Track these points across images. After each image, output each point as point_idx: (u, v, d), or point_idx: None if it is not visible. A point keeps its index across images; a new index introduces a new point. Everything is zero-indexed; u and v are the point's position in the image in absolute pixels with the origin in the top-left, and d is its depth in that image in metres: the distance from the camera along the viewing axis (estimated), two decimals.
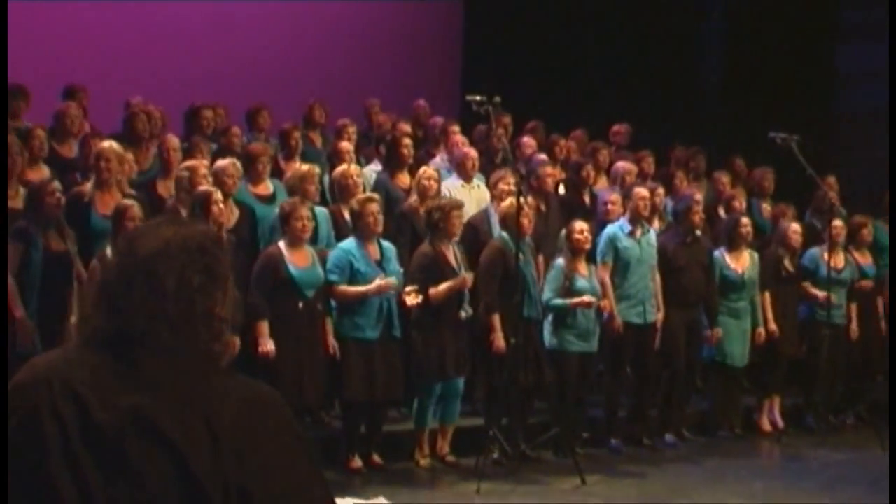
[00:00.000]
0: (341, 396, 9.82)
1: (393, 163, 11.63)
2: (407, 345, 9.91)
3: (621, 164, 12.45)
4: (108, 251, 8.58)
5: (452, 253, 9.94)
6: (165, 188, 10.32)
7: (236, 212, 10.00)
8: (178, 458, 2.56)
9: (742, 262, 11.69)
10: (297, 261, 9.30)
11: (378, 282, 9.37)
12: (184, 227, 2.85)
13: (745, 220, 11.89)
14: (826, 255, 12.13)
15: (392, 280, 9.46)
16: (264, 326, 9.08)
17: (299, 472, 2.72)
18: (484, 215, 10.89)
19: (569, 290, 10.34)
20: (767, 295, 12.00)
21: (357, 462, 9.66)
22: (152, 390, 2.61)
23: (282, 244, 9.33)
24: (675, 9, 16.92)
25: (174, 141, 10.82)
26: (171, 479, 2.56)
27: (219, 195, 9.27)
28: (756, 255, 11.87)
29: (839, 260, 12.23)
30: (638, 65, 16.28)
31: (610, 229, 11.04)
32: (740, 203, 12.61)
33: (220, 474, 2.56)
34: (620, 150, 13.70)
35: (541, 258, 10.79)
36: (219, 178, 9.83)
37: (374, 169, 11.92)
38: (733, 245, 11.68)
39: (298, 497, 2.69)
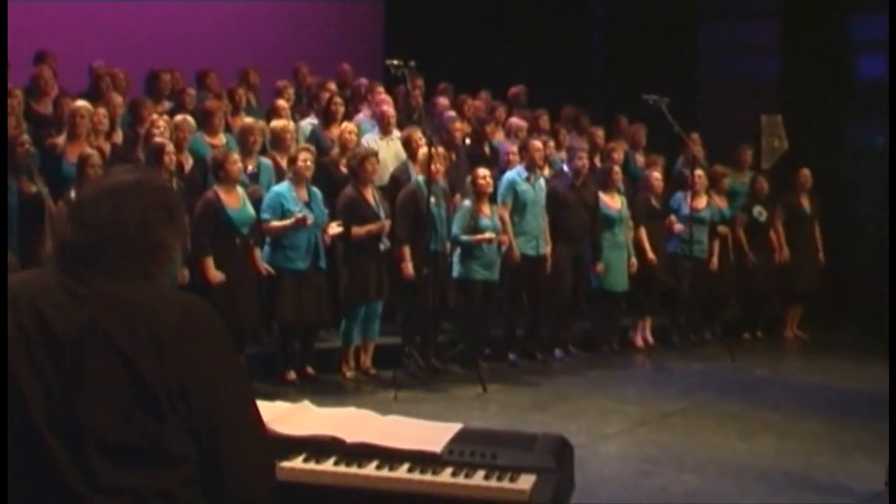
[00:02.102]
0: (277, 319, 9.85)
1: (326, 118, 11.63)
2: (333, 274, 9.95)
3: (514, 121, 12.56)
4: (73, 194, 8.58)
5: (371, 195, 9.98)
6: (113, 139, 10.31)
7: (190, 160, 9.98)
8: (128, 364, 2.59)
9: (616, 202, 11.83)
10: (232, 202, 9.23)
11: (296, 215, 9.36)
12: (150, 172, 2.94)
13: (616, 168, 12.04)
14: (688, 199, 12.33)
15: (308, 214, 9.41)
16: (209, 261, 9.06)
17: (229, 371, 2.77)
18: (404, 167, 10.91)
19: (474, 227, 10.43)
20: (643, 230, 12.18)
21: (291, 375, 9.73)
22: (104, 304, 2.64)
23: (217, 188, 9.26)
24: None
25: (118, 99, 10.87)
26: (122, 383, 2.58)
27: (171, 147, 9.26)
28: (625, 198, 12.01)
29: (701, 202, 12.41)
30: (535, 34, 16.28)
31: (509, 175, 11.11)
32: (619, 154, 12.67)
33: (164, 376, 2.59)
34: (519, 108, 13.74)
35: (458, 197, 10.83)
36: (174, 132, 9.84)
37: (309, 122, 11.91)
38: (607, 188, 11.80)
39: (228, 392, 2.74)
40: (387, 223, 9.93)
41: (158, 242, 2.77)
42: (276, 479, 2.94)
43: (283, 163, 10.14)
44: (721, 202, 13.03)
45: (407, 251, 10.11)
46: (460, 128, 11.57)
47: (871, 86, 15.80)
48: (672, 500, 6.79)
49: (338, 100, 11.70)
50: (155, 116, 10.17)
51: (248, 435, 2.80)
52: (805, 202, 13.62)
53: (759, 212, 13.28)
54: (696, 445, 8.20)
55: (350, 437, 3.37)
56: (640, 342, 12.50)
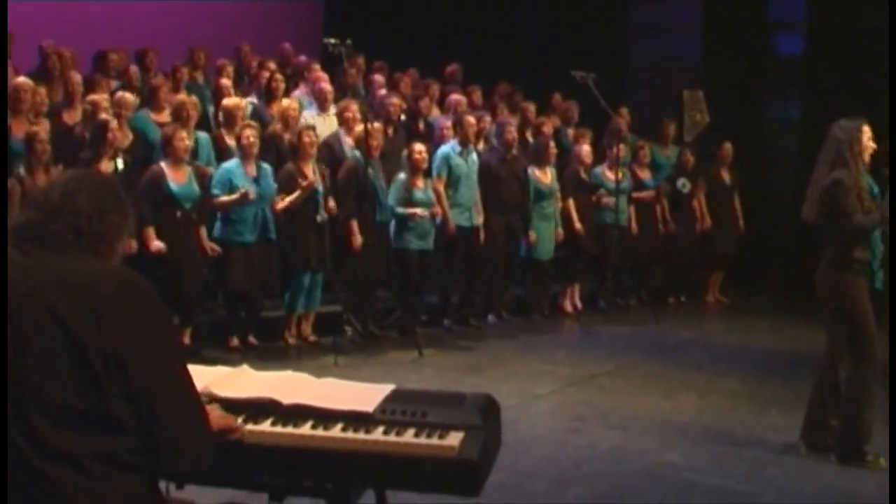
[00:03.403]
0: (225, 289, 9.81)
1: (266, 96, 11.56)
2: (281, 246, 9.92)
3: (454, 97, 12.53)
4: (22, 171, 8.47)
5: (311, 168, 9.93)
6: (70, 117, 10.17)
7: (130, 135, 9.87)
8: (68, 333, 2.62)
9: (547, 176, 11.87)
10: (177, 177, 9.14)
11: (240, 191, 9.31)
12: (100, 174, 3.04)
13: (550, 143, 12.07)
14: (608, 171, 12.40)
15: (250, 189, 9.34)
16: (151, 231, 8.94)
17: (162, 342, 2.81)
18: (335, 137, 10.87)
19: (408, 200, 10.45)
20: (571, 201, 12.22)
21: (236, 342, 9.71)
22: (46, 275, 2.68)
23: (163, 163, 9.15)
24: None
25: (77, 77, 10.64)
26: (62, 348, 2.62)
27: (114, 123, 9.15)
28: (555, 170, 12.05)
29: (619, 174, 12.45)
30: (471, 13, 16.28)
31: (444, 149, 11.12)
32: (549, 129, 12.69)
33: (100, 344, 2.63)
34: (454, 84, 13.73)
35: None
36: (116, 108, 9.74)
37: (250, 101, 11.82)
38: (540, 162, 11.83)
39: (161, 362, 2.78)
40: (305, 184, 9.77)
41: (108, 224, 2.85)
42: (214, 442, 2.97)
43: (232, 141, 10.05)
44: (643, 173, 13.13)
45: (354, 224, 10.09)
46: (396, 103, 11.54)
47: (788, 63, 16.00)
48: (599, 456, 6.86)
49: (278, 76, 11.66)
50: (97, 95, 10.03)
51: (183, 402, 2.84)
52: (725, 174, 13.76)
53: (682, 183, 13.39)
54: (622, 404, 8.29)
55: (286, 398, 3.39)
56: (569, 307, 12.57)
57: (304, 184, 9.72)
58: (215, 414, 3.18)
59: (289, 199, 9.73)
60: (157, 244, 8.93)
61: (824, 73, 14.95)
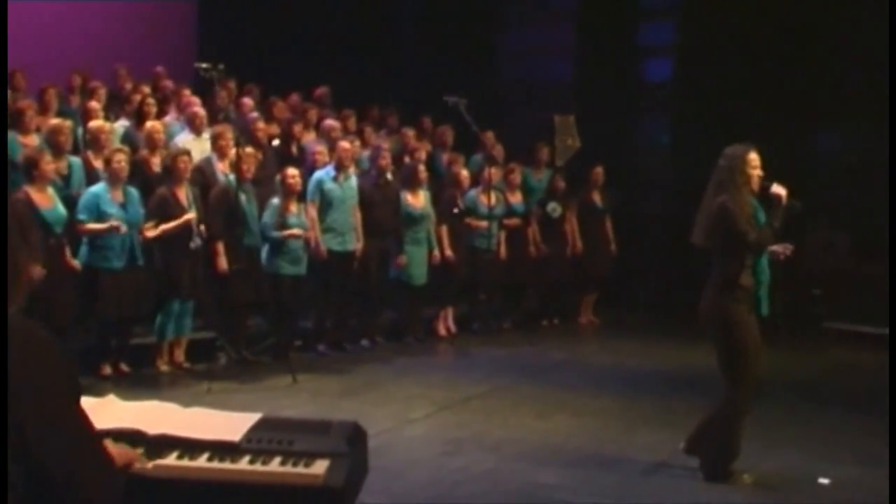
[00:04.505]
0: (95, 316, 9.65)
1: (138, 119, 11.44)
2: (150, 271, 9.80)
3: (328, 123, 12.52)
4: None
5: (184, 193, 9.85)
6: None
7: None
8: None
9: (419, 200, 11.93)
10: (43, 202, 8.93)
11: (111, 223, 9.18)
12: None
13: (421, 167, 12.13)
14: (482, 195, 12.52)
15: (122, 225, 9.21)
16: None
17: (63, 410, 2.66)
18: (207, 161, 10.79)
19: (282, 224, 10.42)
20: (444, 228, 12.28)
21: (107, 370, 9.56)
22: None
23: (28, 188, 8.89)
24: None
25: None
26: None
27: None
28: (429, 194, 12.11)
29: (492, 199, 12.56)
30: (344, 37, 16.31)
31: (318, 174, 11.12)
32: (422, 154, 12.76)
33: (7, 412, 2.49)
34: (326, 108, 13.73)
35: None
36: None
37: (122, 124, 11.68)
38: (412, 186, 11.89)
39: (59, 431, 2.63)
40: (192, 215, 9.74)
41: (16, 265, 2.65)
42: (122, 482, 2.88)
43: (98, 163, 9.91)
44: (514, 197, 13.24)
45: (220, 247, 10.05)
46: (263, 128, 11.52)
47: (658, 87, 16.36)
48: (473, 478, 6.89)
49: (150, 101, 11.55)
50: None
51: (86, 456, 2.70)
52: (597, 197, 13.94)
53: (553, 208, 13.53)
54: (495, 426, 8.35)
55: (152, 429, 3.37)
56: (443, 331, 12.61)
57: (186, 218, 9.66)
58: (116, 451, 3.09)
59: (164, 227, 9.62)
60: (39, 271, 8.75)
61: (693, 98, 15.33)
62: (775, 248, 6.84)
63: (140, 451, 3.25)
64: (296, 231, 10.42)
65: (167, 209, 9.69)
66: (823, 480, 6.95)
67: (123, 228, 9.21)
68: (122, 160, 9.43)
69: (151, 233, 9.58)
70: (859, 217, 14.16)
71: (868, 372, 11.43)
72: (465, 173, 12.57)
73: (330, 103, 13.96)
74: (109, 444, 3.09)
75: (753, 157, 6.71)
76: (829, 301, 13.56)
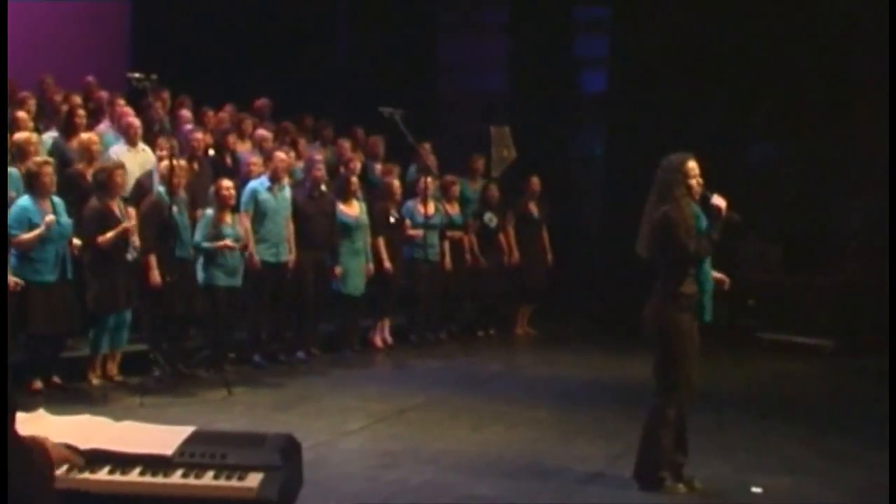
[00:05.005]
0: (26, 330, 9.52)
1: (68, 129, 11.32)
2: (81, 284, 9.70)
3: (260, 133, 12.52)
4: None
5: (117, 206, 9.77)
6: None
7: None
8: None
9: (353, 210, 11.92)
10: None
11: (45, 221, 9.09)
12: None
13: (353, 178, 12.12)
14: (420, 206, 12.55)
15: (50, 218, 9.16)
16: None
17: None
18: (149, 175, 10.73)
19: (216, 235, 10.37)
20: (381, 239, 12.27)
21: (38, 384, 9.43)
22: None
23: None
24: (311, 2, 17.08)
25: None
26: None
27: None
28: (364, 205, 12.10)
29: (430, 209, 12.59)
30: (280, 48, 16.27)
31: (252, 185, 11.09)
32: (357, 164, 12.74)
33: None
34: (264, 120, 13.70)
35: (199, 212, 10.72)
36: None
37: (51, 135, 11.55)
38: (345, 197, 11.88)
39: None
40: (130, 224, 9.70)
41: None
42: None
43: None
44: (452, 208, 13.29)
45: (153, 259, 9.99)
46: (200, 139, 11.46)
47: (592, 98, 16.53)
48: (409, 491, 6.90)
49: (80, 112, 11.41)
50: None
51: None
52: (534, 208, 14.00)
53: (489, 218, 13.61)
54: (432, 438, 8.36)
55: (83, 443, 3.35)
56: (379, 342, 12.61)
57: (125, 226, 9.59)
58: (55, 451, 3.06)
59: (102, 238, 9.54)
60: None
61: (627, 109, 15.48)
62: (717, 276, 6.92)
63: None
64: (229, 242, 10.38)
65: (102, 222, 9.60)
66: (756, 489, 7.04)
67: (53, 218, 9.10)
68: (49, 172, 9.31)
69: (73, 242, 9.48)
70: (791, 228, 14.38)
71: (801, 382, 11.60)
72: (397, 184, 12.59)
73: (268, 115, 13.92)
74: (42, 438, 3.05)
75: (692, 166, 6.79)
76: (763, 312, 13.75)
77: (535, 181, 13.99)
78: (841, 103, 13.98)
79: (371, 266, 12.10)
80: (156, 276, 9.95)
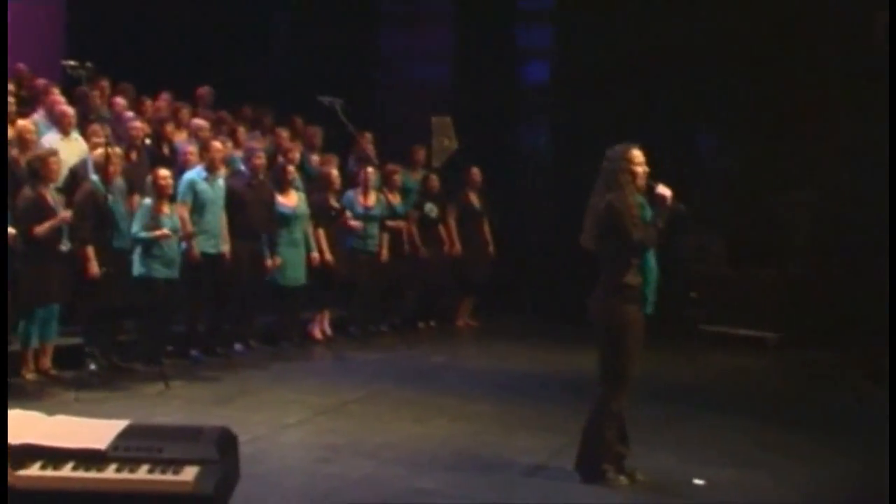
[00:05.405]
0: None
1: None
2: (11, 276, 9.54)
3: (196, 122, 12.39)
4: None
5: (51, 195, 9.63)
6: None
7: None
8: None
9: (291, 200, 11.83)
10: None
11: None
12: None
13: (290, 167, 12.02)
14: (360, 196, 12.49)
15: None
16: None
17: None
18: (83, 164, 10.59)
19: (154, 226, 10.25)
20: (321, 231, 12.20)
21: None
22: None
23: None
24: None
25: None
26: None
27: None
28: (303, 195, 12.02)
29: (371, 199, 12.55)
30: (220, 36, 16.14)
31: (189, 175, 10.98)
32: (296, 154, 12.65)
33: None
34: (204, 108, 13.58)
35: (136, 198, 10.59)
36: None
37: None
38: (282, 187, 11.79)
39: None
40: (67, 214, 9.56)
41: None
42: None
43: None
44: (394, 199, 13.23)
45: (90, 251, 9.84)
46: (138, 127, 11.33)
47: (536, 90, 16.54)
48: (350, 485, 6.88)
49: (11, 99, 11.22)
50: None
51: None
52: (475, 199, 14.00)
53: (430, 208, 13.60)
54: (373, 431, 8.34)
55: (15, 438, 3.29)
56: (318, 335, 12.53)
57: (62, 216, 9.45)
58: None
59: (46, 225, 9.39)
60: None
61: (571, 100, 15.52)
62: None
63: None
64: (166, 231, 10.26)
65: (36, 211, 9.46)
66: (698, 481, 7.09)
67: None
68: None
69: (11, 233, 9.33)
70: (734, 221, 14.48)
71: (745, 375, 11.71)
72: (336, 173, 12.51)
73: (210, 103, 13.80)
74: None
75: (636, 154, 6.82)
76: (705, 304, 13.84)
77: (476, 172, 13.98)
78: (788, 96, 14.09)
79: (315, 255, 12.02)
80: (93, 267, 9.81)
